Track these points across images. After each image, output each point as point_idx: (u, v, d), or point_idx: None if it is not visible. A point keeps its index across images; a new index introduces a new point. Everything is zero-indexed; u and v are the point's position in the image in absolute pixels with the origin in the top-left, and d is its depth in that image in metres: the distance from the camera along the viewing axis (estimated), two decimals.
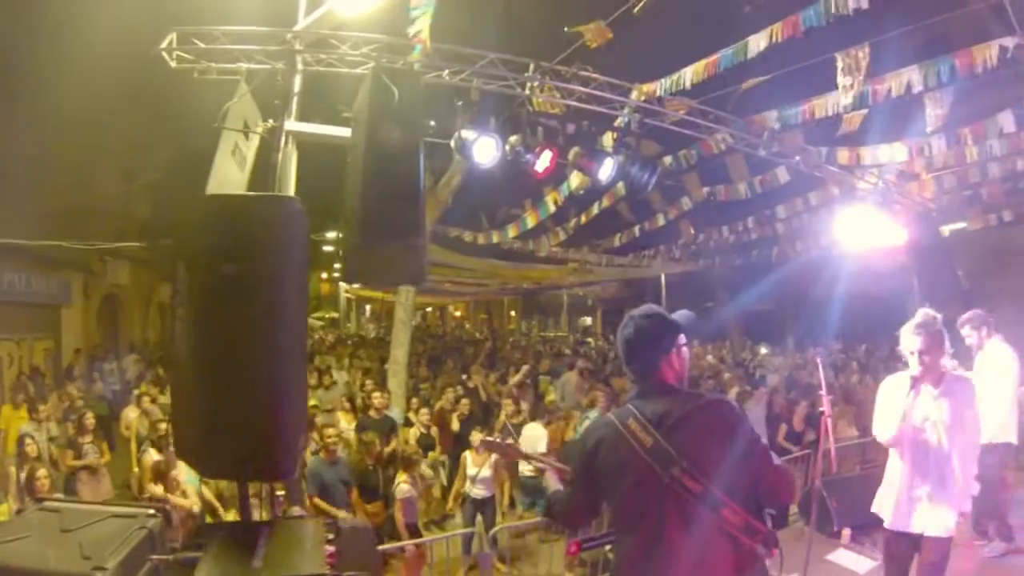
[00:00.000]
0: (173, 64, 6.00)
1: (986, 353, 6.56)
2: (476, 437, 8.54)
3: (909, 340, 4.45)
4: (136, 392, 11.84)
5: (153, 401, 10.98)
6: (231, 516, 7.34)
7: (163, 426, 8.66)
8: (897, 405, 4.49)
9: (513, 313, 45.64)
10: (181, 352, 2.57)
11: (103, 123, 16.23)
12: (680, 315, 3.10)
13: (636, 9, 6.04)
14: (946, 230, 13.07)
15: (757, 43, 6.32)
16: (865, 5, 5.43)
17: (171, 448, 8.11)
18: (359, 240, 3.16)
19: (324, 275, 39.58)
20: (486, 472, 8.40)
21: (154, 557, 2.34)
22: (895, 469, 4.61)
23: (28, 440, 8.05)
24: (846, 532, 6.89)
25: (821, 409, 5.66)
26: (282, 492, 2.98)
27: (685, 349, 3.04)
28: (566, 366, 15.37)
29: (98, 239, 15.06)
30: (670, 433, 2.80)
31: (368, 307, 44.48)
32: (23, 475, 7.31)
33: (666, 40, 7.83)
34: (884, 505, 4.65)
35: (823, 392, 5.89)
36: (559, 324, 41.64)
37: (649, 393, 2.96)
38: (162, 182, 20.13)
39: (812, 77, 7.43)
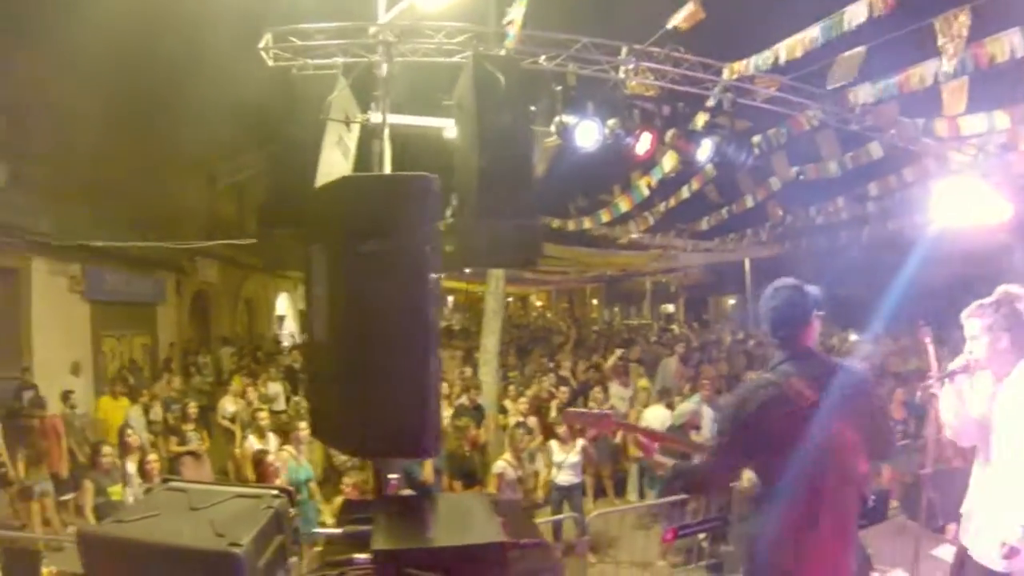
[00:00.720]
0: (270, 63, 6.24)
1: None
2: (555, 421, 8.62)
3: (969, 323, 3.80)
4: (233, 384, 12.36)
5: (244, 394, 11.59)
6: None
7: (262, 415, 9.03)
8: (958, 400, 3.91)
9: (595, 301, 45.50)
10: (319, 333, 2.66)
11: (188, 132, 17.27)
12: (812, 289, 3.34)
13: None
14: None
15: (855, 15, 6.15)
16: None
17: (270, 434, 8.53)
18: (476, 222, 3.23)
19: None
20: (574, 458, 8.43)
21: (319, 531, 2.45)
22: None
23: (129, 431, 8.48)
24: (951, 527, 6.59)
25: (932, 391, 5.39)
26: (395, 476, 3.05)
27: (818, 320, 3.32)
28: (664, 352, 15.29)
29: (188, 240, 16.06)
30: (824, 391, 3.09)
31: (451, 299, 44.92)
32: (129, 462, 7.73)
33: (755, 16, 7.67)
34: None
35: (933, 373, 5.60)
36: (641, 312, 41.29)
37: (798, 357, 3.24)
38: (244, 184, 21.06)
39: (907, 46, 7.23)
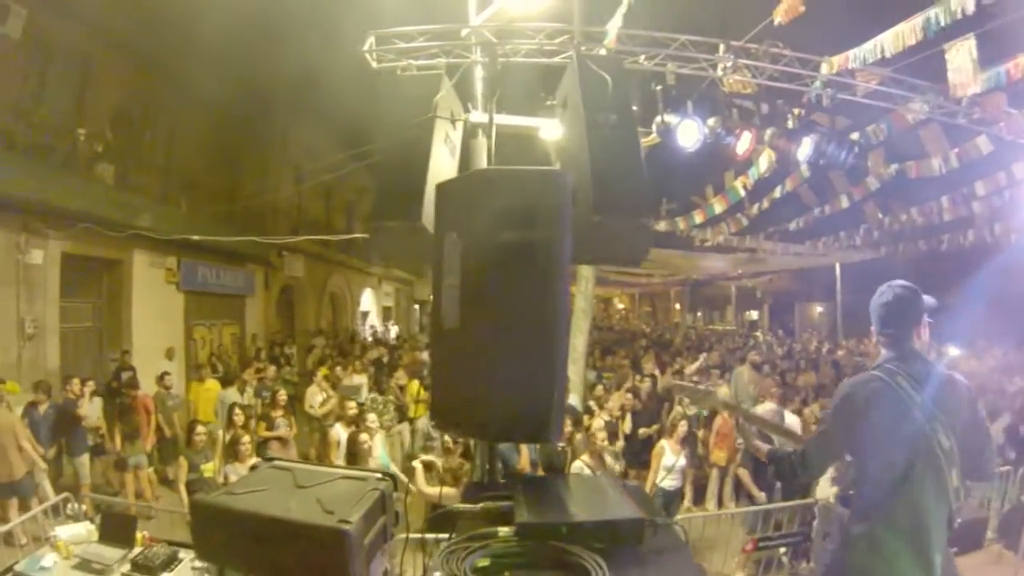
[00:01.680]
0: (375, 64, 6.45)
1: None
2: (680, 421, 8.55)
3: None
4: (320, 373, 12.80)
5: (335, 385, 12.00)
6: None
7: (351, 404, 9.38)
8: None
9: (678, 306, 45.03)
10: (450, 320, 2.73)
11: (282, 135, 18.07)
12: (927, 297, 3.37)
13: None
14: None
15: (964, 1, 5.93)
16: None
17: (365, 423, 8.75)
18: (590, 218, 3.29)
19: None
20: (682, 461, 8.37)
21: (459, 507, 2.55)
22: None
23: (238, 410, 8.95)
24: None
25: None
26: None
27: (928, 326, 3.35)
28: (737, 360, 15.04)
29: (275, 236, 16.94)
30: (929, 392, 3.12)
31: None
32: (228, 438, 8.16)
33: (853, 7, 7.48)
34: None
35: None
36: (724, 317, 40.63)
37: (906, 357, 3.25)
38: (332, 183, 21.80)
39: (1016, 31, 6.89)
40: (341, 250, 24.81)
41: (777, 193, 12.72)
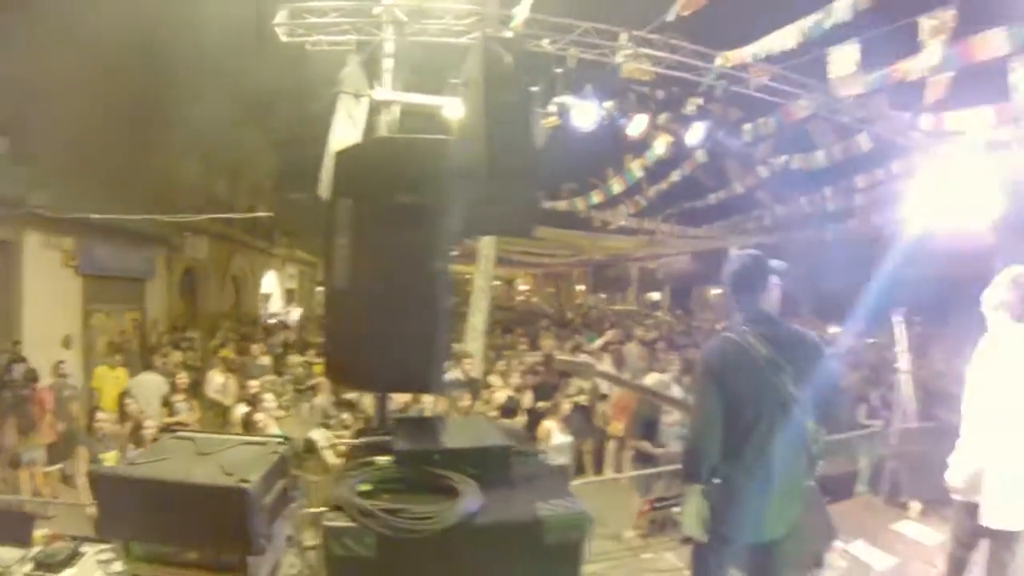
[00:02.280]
0: (284, 38, 6.45)
1: None
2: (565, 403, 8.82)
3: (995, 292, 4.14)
4: (220, 355, 12.56)
5: (237, 369, 11.76)
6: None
7: (253, 383, 9.37)
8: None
9: (581, 287, 45.72)
10: (340, 281, 2.86)
11: (185, 109, 17.39)
12: (774, 261, 3.62)
13: None
14: None
15: (845, 7, 6.37)
16: None
17: (262, 404, 8.72)
18: (484, 193, 3.47)
19: None
20: (569, 438, 8.58)
21: (342, 441, 2.71)
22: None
23: (128, 400, 8.66)
24: (916, 505, 6.90)
25: (896, 365, 5.78)
26: None
27: (777, 288, 3.58)
28: (626, 337, 15.55)
29: (179, 215, 16.26)
30: (780, 349, 3.38)
31: None
32: (126, 429, 7.90)
33: (751, 7, 7.86)
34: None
35: (899, 349, 6.04)
36: (627, 298, 41.45)
37: (757, 318, 3.49)
38: (239, 161, 21.18)
39: (897, 41, 7.47)
40: (245, 231, 24.08)
41: (675, 177, 13.09)
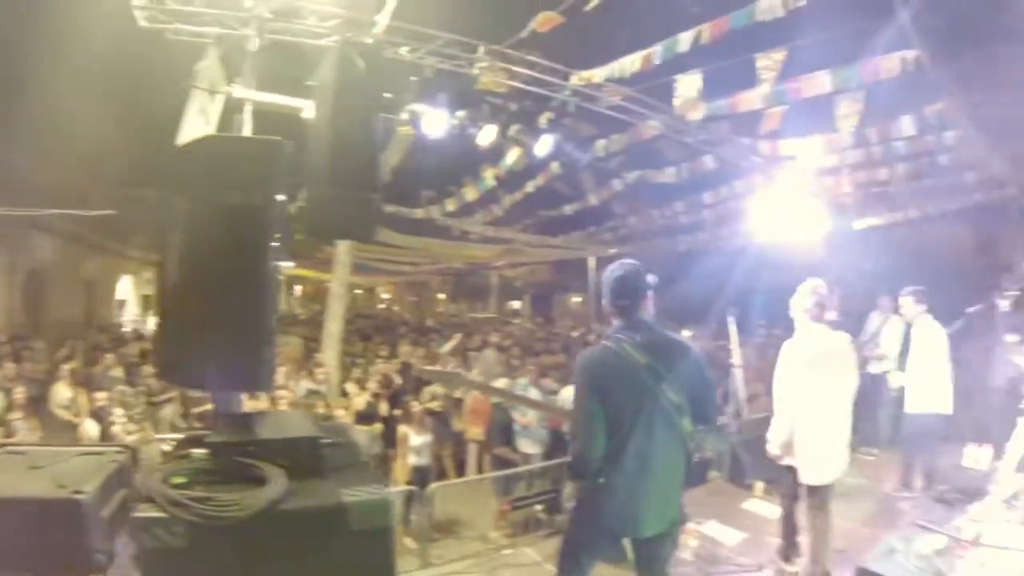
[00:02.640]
0: (143, 23, 6.18)
1: (921, 326, 7.31)
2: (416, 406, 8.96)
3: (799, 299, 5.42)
4: (68, 367, 11.78)
5: (85, 382, 11.06)
6: None
7: (100, 395, 8.99)
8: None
9: (442, 296, 45.84)
10: (172, 278, 2.89)
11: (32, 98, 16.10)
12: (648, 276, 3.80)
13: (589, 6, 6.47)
14: (860, 224, 14.01)
15: (687, 40, 6.85)
16: (781, 14, 6.02)
17: (111, 419, 8.33)
18: (325, 196, 3.55)
19: None
20: (428, 439, 8.77)
21: (164, 436, 2.72)
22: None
23: None
24: (759, 484, 7.55)
25: (730, 361, 6.43)
26: None
27: (651, 297, 3.76)
28: (483, 344, 15.89)
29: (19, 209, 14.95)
30: (656, 355, 3.54)
31: (299, 288, 44.01)
32: None
33: (613, 30, 8.24)
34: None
35: (732, 347, 6.73)
36: (488, 307, 41.90)
37: (635, 325, 3.66)
38: (96, 156, 19.84)
39: (740, 74, 7.93)
40: (99, 231, 21.83)
41: (530, 188, 13.33)
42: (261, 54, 6.17)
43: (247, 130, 5.82)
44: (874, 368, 9.61)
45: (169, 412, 9.19)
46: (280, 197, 2.86)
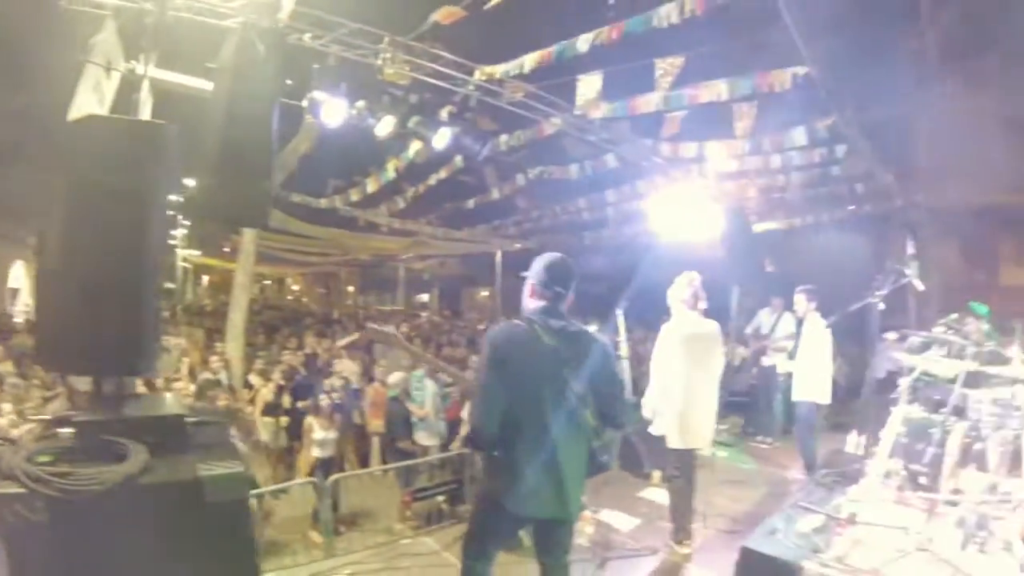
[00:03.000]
0: None
1: (810, 322, 8.04)
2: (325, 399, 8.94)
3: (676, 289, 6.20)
4: None
5: None
6: None
7: None
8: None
9: (352, 288, 45.38)
10: (52, 260, 2.83)
11: None
12: None
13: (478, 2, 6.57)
14: (761, 228, 14.62)
15: (585, 41, 7.05)
16: (676, 21, 6.28)
17: None
18: (215, 181, 3.53)
19: None
20: (332, 434, 8.77)
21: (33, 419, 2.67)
22: None
23: None
24: (656, 473, 7.84)
25: (618, 353, 6.70)
26: None
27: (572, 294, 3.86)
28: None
29: None
30: (566, 343, 3.63)
31: (207, 278, 42.87)
32: None
33: (522, 27, 8.37)
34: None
35: (619, 339, 7.06)
36: (396, 299, 41.70)
37: (554, 313, 3.73)
38: None
39: (641, 76, 8.12)
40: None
41: (432, 180, 13.31)
42: (164, 30, 5.96)
43: (146, 109, 5.67)
44: (768, 360, 10.23)
45: (57, 405, 8.83)
46: (165, 181, 2.84)
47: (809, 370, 7.94)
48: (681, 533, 6.20)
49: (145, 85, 5.56)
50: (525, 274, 3.91)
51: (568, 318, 3.78)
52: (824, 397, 7.94)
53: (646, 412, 6.31)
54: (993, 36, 11.75)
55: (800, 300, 8.19)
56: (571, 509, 3.74)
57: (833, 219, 14.60)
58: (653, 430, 6.32)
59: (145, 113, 5.58)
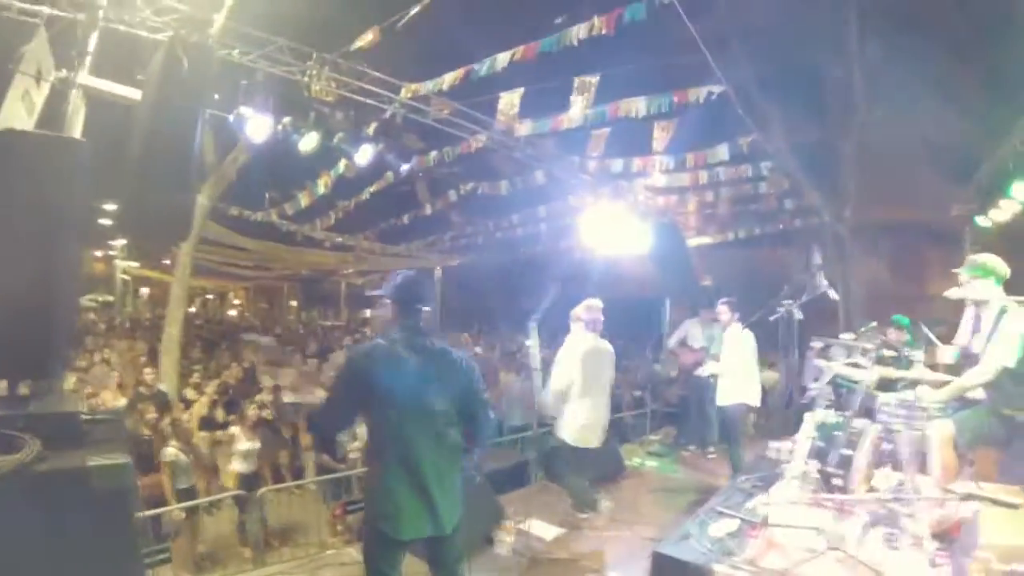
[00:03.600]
0: None
1: (733, 331, 8.55)
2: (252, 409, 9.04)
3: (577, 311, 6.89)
4: None
5: None
6: None
7: None
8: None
9: (294, 303, 44.88)
10: None
11: None
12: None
13: (400, 24, 6.83)
14: (693, 242, 15.12)
15: (504, 59, 7.37)
16: (584, 36, 6.65)
17: None
18: (136, 193, 3.62)
19: (99, 253, 34.29)
20: (256, 445, 8.78)
21: None
22: None
23: None
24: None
25: (532, 365, 7.13)
26: None
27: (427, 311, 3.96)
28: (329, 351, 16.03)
29: None
30: (429, 362, 3.69)
31: (146, 291, 41.95)
32: None
33: (450, 47, 8.58)
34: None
35: (532, 350, 7.44)
36: (340, 315, 41.33)
37: (417, 331, 3.78)
38: None
39: (565, 94, 8.48)
40: None
41: (365, 195, 13.48)
42: (96, 41, 5.95)
43: (78, 119, 5.69)
44: (703, 371, 10.63)
45: None
46: (81, 195, 2.97)
47: (736, 375, 8.44)
48: (584, 504, 6.99)
49: (76, 94, 5.60)
50: (378, 293, 4.03)
51: (430, 336, 3.85)
52: (754, 400, 8.50)
53: (541, 408, 7.14)
54: (915, 66, 12.50)
55: (724, 311, 8.70)
56: (446, 525, 3.73)
57: (765, 233, 15.22)
58: (554, 431, 6.95)
59: (77, 123, 5.66)
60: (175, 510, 7.24)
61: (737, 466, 8.28)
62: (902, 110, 13.72)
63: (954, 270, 5.57)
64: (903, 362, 6.41)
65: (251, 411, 9.03)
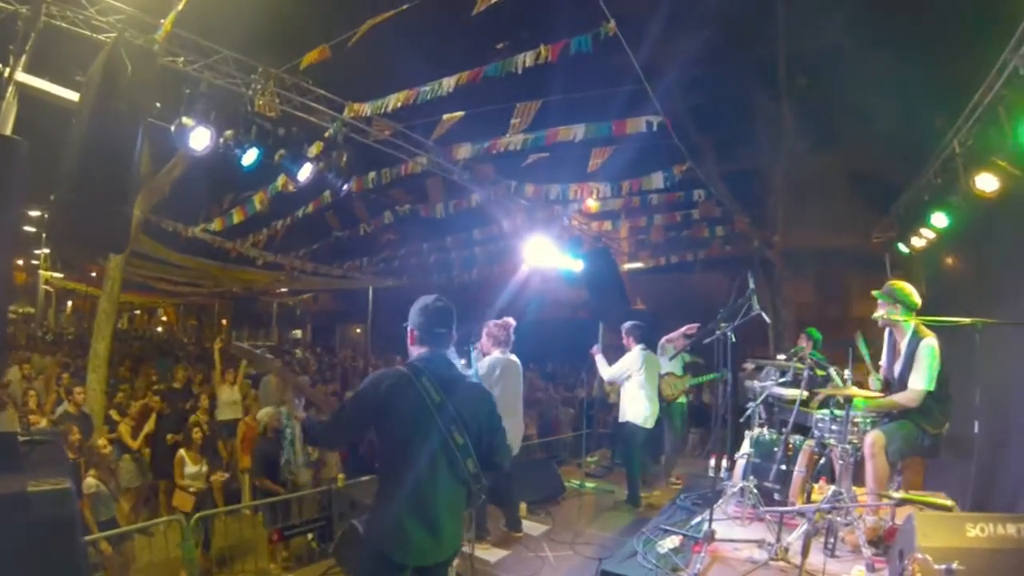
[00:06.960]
0: None
1: (633, 354, 8.85)
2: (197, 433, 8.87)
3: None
4: None
5: None
6: None
7: None
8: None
9: (225, 322, 44.03)
10: None
11: None
12: None
13: (351, 42, 6.88)
14: (627, 267, 15.46)
15: (449, 83, 7.47)
16: (529, 65, 6.81)
17: None
18: (71, 200, 3.51)
19: (20, 262, 32.59)
20: (204, 468, 8.66)
21: None
22: None
23: None
24: (523, 505, 8.08)
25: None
26: None
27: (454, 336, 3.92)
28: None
29: None
30: (451, 395, 3.62)
31: (70, 303, 40.53)
32: None
33: (395, 67, 8.64)
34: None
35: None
36: (270, 335, 40.75)
37: (439, 359, 3.74)
38: None
39: (504, 118, 8.68)
40: None
41: (300, 214, 13.22)
42: (35, 38, 5.77)
43: (9, 119, 5.51)
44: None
45: None
46: (14, 197, 2.90)
47: (633, 397, 8.77)
48: (512, 523, 7.38)
49: (10, 92, 5.44)
50: (406, 324, 3.89)
51: (453, 365, 3.79)
52: (647, 422, 8.77)
53: None
54: (841, 100, 13.15)
55: (624, 336, 9.13)
56: (448, 550, 3.75)
57: (697, 259, 15.68)
58: None
59: (7, 121, 5.43)
60: (101, 542, 6.85)
61: (634, 484, 8.79)
62: (827, 141, 14.47)
63: (873, 292, 5.91)
64: (817, 380, 6.71)
65: (195, 434, 8.84)
